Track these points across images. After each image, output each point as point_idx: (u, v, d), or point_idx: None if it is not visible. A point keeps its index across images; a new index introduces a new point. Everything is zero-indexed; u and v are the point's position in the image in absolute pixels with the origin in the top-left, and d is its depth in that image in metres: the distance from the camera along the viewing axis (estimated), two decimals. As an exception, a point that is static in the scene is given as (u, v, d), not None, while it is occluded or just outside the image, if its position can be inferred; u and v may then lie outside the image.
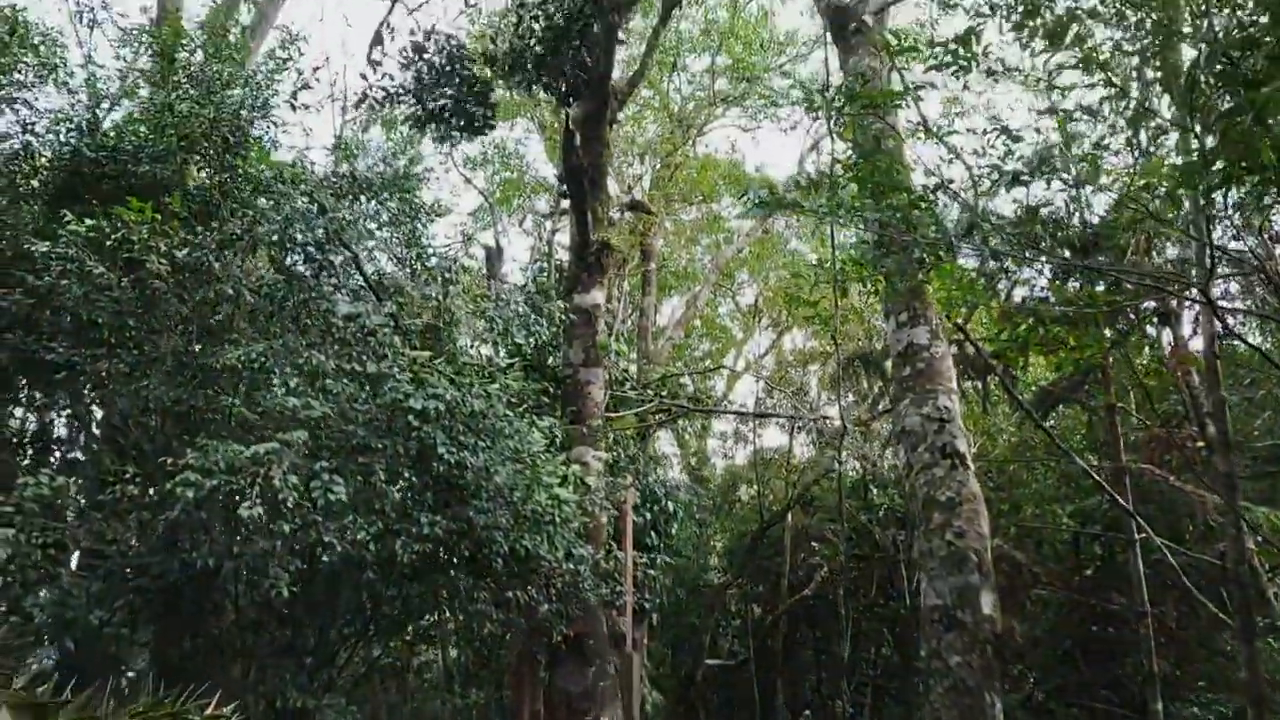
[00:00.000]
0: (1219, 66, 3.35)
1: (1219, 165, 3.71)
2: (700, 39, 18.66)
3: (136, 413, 5.83)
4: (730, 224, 21.08)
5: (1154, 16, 3.53)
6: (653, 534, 11.04)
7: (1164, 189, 5.19)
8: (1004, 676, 6.49)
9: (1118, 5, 3.68)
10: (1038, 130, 4.37)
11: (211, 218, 6.12)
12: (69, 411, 7.15)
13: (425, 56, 9.07)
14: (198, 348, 5.63)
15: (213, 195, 6.30)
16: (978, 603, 6.58)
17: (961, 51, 3.89)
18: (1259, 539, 9.22)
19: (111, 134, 6.57)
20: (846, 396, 16.21)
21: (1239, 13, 3.34)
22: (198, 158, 6.56)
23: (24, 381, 6.76)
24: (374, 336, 5.96)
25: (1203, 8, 3.36)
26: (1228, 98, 3.52)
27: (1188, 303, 9.13)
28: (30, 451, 7.01)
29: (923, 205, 4.39)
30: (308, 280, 5.98)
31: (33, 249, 5.37)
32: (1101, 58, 3.72)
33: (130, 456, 6.10)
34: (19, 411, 7.19)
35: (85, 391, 6.60)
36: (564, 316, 7.80)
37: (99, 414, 7.10)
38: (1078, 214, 8.26)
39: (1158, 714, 9.28)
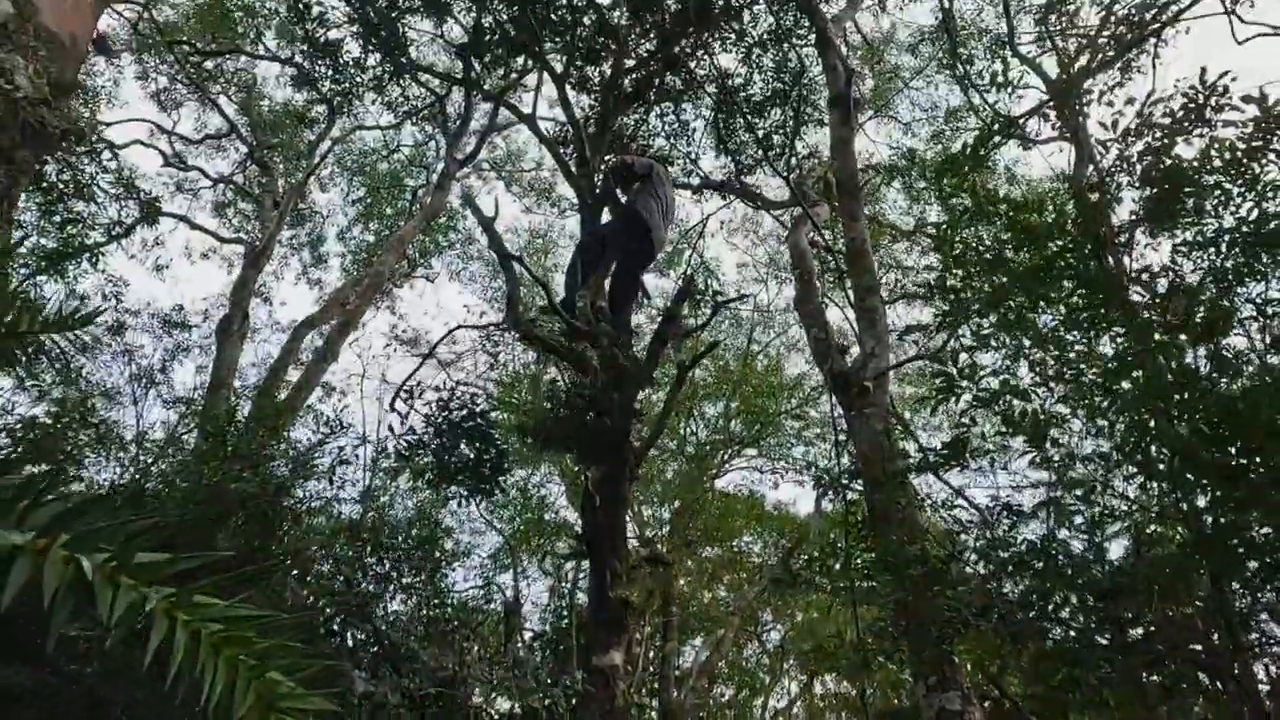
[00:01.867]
0: (1191, 465, 3.60)
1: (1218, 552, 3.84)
2: (714, 386, 19.83)
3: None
4: (752, 562, 21.00)
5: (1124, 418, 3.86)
6: None
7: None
8: None
9: (1090, 403, 4.04)
10: (1041, 512, 4.57)
11: (245, 585, 6.25)
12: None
13: (448, 415, 9.63)
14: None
15: (246, 568, 6.49)
16: None
17: (951, 454, 4.21)
18: None
19: (154, 501, 6.93)
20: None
21: (1202, 413, 3.64)
22: (234, 525, 6.86)
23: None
24: (384, 710, 5.83)
25: (1172, 413, 3.69)
26: (1207, 491, 3.73)
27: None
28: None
29: (936, 587, 4.49)
30: (328, 653, 5.99)
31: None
32: (1082, 451, 4.02)
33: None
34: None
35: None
36: (581, 685, 7.62)
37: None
38: (1095, 564, 8.24)
39: None
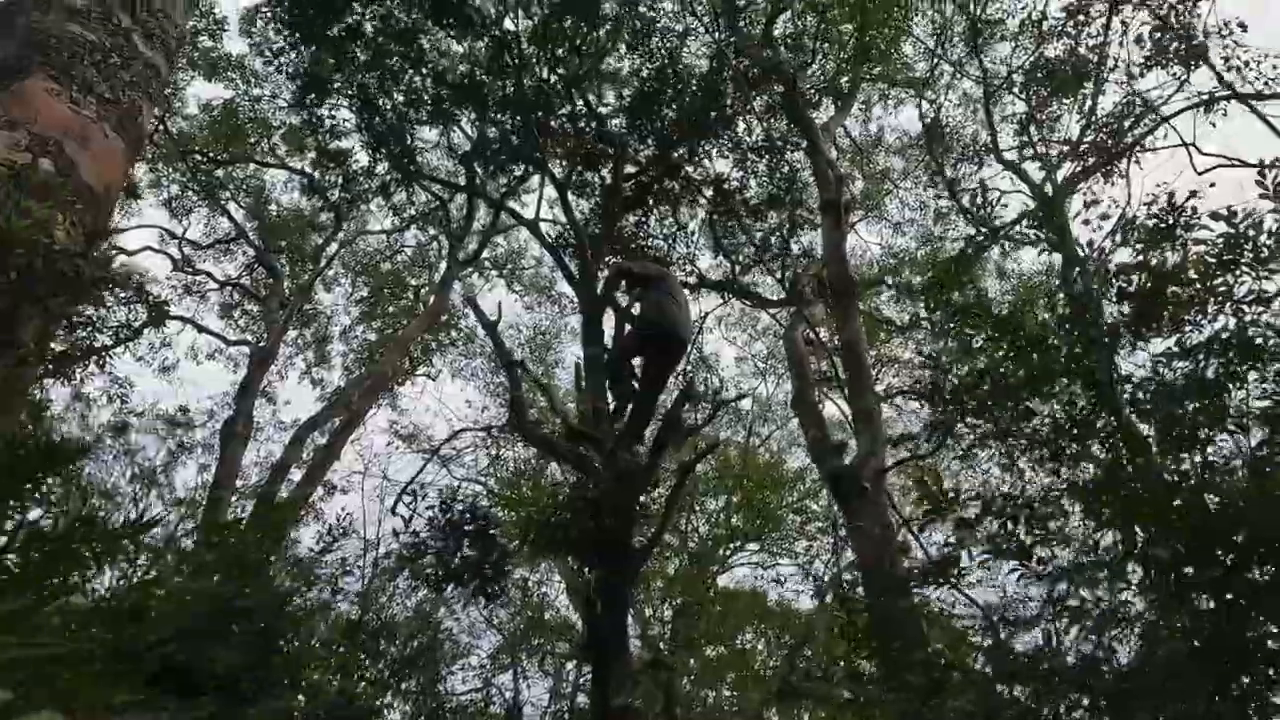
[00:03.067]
0: (1189, 570, 3.68)
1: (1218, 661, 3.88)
2: (714, 481, 19.81)
3: None
4: (755, 660, 20.64)
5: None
6: None
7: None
8: None
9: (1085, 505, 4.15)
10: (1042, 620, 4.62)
11: (244, 701, 6.21)
12: None
13: (450, 517, 9.66)
14: None
15: (245, 683, 6.45)
16: None
17: (939, 572, 4.30)
18: None
19: (154, 614, 6.90)
20: None
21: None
22: (232, 637, 6.82)
23: None
24: (387, 829, 5.73)
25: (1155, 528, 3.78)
26: (1205, 600, 3.80)
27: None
28: None
29: (939, 697, 4.50)
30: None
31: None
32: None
33: None
34: None
35: None
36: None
37: None
38: (1104, 663, 8.16)
39: None
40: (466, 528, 9.60)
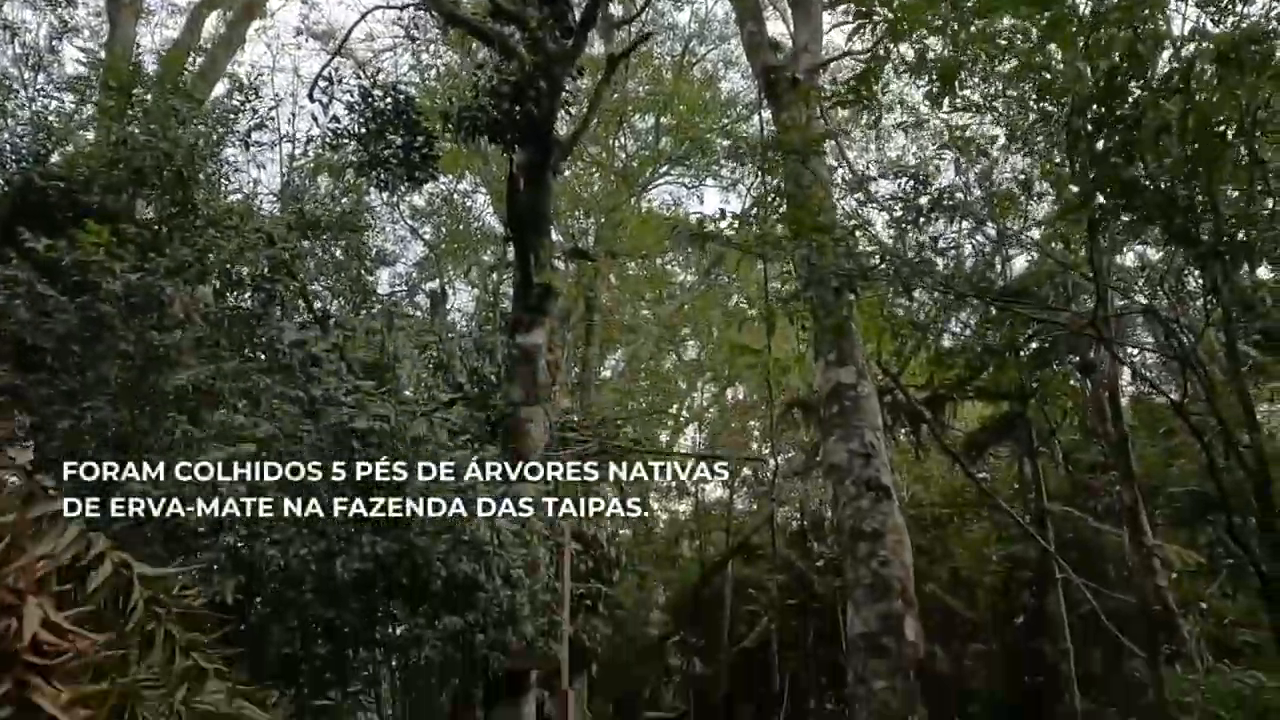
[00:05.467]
0: (1090, 113, 3.78)
1: (1099, 201, 4.14)
2: (646, 100, 19.33)
3: (74, 436, 5.85)
4: (674, 278, 21.63)
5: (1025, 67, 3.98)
6: (593, 581, 11.16)
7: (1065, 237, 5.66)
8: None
9: (996, 52, 4.14)
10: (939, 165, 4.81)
11: (162, 248, 6.25)
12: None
13: (372, 103, 9.32)
14: (143, 373, 5.73)
15: (163, 227, 6.45)
16: (901, 629, 6.85)
17: (862, 90, 4.30)
18: (1172, 575, 9.70)
19: (62, 165, 6.70)
20: (785, 449, 16.67)
21: (1104, 62, 3.78)
22: (148, 190, 6.72)
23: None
24: (318, 365, 6.11)
25: (1072, 60, 3.81)
26: (1101, 141, 3.95)
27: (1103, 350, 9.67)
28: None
29: (837, 242, 4.77)
30: (255, 309, 6.12)
31: (-18, 271, 5.48)
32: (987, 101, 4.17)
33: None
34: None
35: (19, 415, 6.60)
36: (506, 354, 8.02)
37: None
38: (999, 265, 8.78)
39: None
40: (389, 113, 9.28)
